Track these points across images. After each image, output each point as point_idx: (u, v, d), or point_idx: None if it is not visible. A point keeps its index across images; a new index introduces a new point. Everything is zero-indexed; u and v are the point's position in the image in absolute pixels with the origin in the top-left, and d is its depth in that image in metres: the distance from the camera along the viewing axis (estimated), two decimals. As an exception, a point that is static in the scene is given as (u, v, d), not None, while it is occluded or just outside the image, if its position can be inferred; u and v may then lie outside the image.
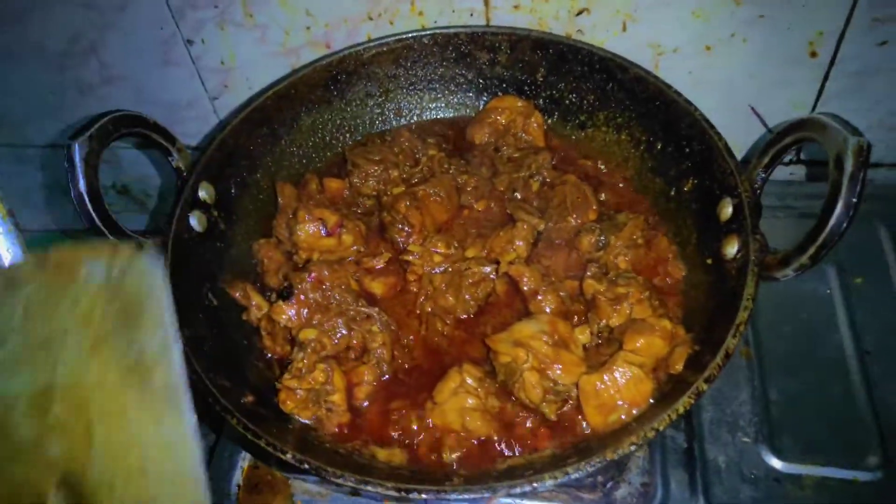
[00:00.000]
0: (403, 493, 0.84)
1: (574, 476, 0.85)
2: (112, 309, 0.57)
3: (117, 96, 1.63)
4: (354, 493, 1.15)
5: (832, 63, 1.39)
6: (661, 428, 0.87)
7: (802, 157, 1.57)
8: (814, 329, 1.30)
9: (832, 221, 0.89)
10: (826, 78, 1.42)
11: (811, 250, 0.92)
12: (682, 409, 0.89)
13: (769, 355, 1.28)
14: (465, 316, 1.15)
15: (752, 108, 1.49)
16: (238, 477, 1.21)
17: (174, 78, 1.59)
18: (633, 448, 0.87)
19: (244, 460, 1.22)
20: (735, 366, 1.28)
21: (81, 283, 0.55)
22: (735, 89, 1.46)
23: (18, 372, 0.55)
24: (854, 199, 0.88)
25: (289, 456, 0.88)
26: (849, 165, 0.88)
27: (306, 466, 0.87)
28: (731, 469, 1.14)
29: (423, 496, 0.83)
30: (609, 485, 1.13)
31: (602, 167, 1.34)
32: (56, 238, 1.89)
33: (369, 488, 0.84)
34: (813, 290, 1.35)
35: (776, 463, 1.14)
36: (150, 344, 0.58)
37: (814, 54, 1.37)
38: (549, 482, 0.84)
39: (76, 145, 1.00)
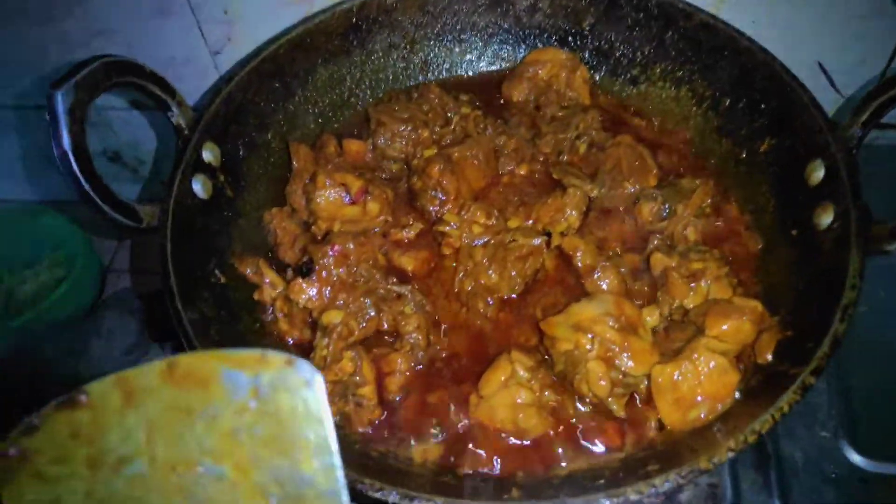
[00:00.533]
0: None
1: (662, 489, 0.70)
2: (261, 431, 0.48)
3: (106, 52, 1.46)
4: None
5: (919, 10, 1.23)
6: (764, 431, 0.73)
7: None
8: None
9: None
10: (911, 27, 1.26)
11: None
12: (787, 408, 0.75)
13: (846, 339, 1.13)
14: (510, 295, 1.01)
15: (821, 65, 1.33)
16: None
17: (170, 30, 1.41)
18: (730, 455, 0.72)
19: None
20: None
21: (221, 399, 0.47)
22: (802, 43, 1.29)
23: (149, 500, 0.47)
24: None
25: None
26: None
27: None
28: (809, 468, 1.02)
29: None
30: (673, 486, 0.99)
31: (658, 127, 1.20)
32: (38, 210, 1.73)
33: (416, 504, 0.70)
34: (891, 265, 1.20)
35: (861, 461, 1.02)
36: (310, 475, 0.48)
37: (897, 0, 1.21)
38: (633, 496, 0.70)
39: (59, 94, 0.84)
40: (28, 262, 1.73)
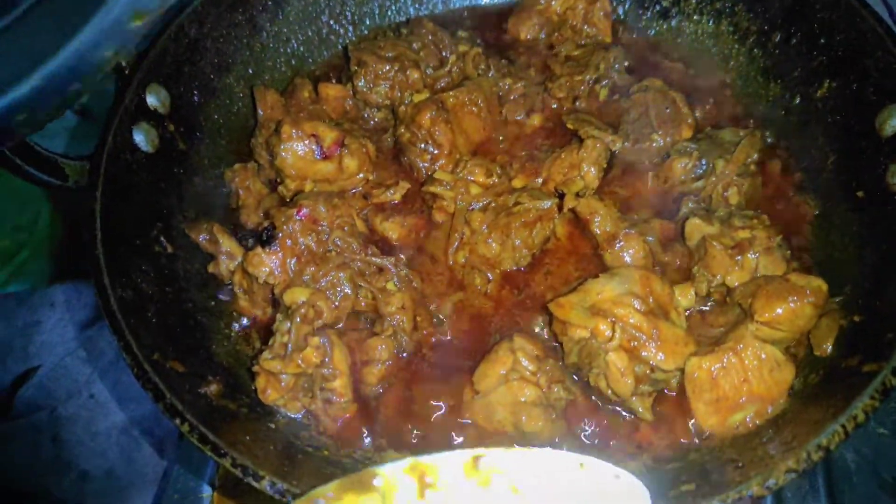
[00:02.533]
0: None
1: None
2: None
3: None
4: None
5: None
6: (834, 447, 0.58)
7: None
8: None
9: None
10: None
11: None
12: (862, 417, 0.59)
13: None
14: (514, 268, 0.87)
15: (883, -5, 1.15)
16: (212, 474, 0.93)
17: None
18: (790, 478, 0.57)
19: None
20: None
21: None
22: None
23: None
24: None
25: (265, 483, 0.59)
26: None
27: (290, 500, 0.58)
28: (864, 471, 0.90)
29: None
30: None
31: (694, 69, 1.03)
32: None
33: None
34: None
35: None
36: None
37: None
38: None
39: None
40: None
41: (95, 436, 1.14)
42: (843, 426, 0.59)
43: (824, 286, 0.70)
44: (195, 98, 0.94)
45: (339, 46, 1.12)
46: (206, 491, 0.95)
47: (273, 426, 0.74)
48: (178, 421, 0.63)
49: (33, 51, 0.51)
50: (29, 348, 1.26)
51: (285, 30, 1.06)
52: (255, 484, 0.60)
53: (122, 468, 1.14)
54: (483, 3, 1.15)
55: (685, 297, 0.77)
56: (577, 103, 0.99)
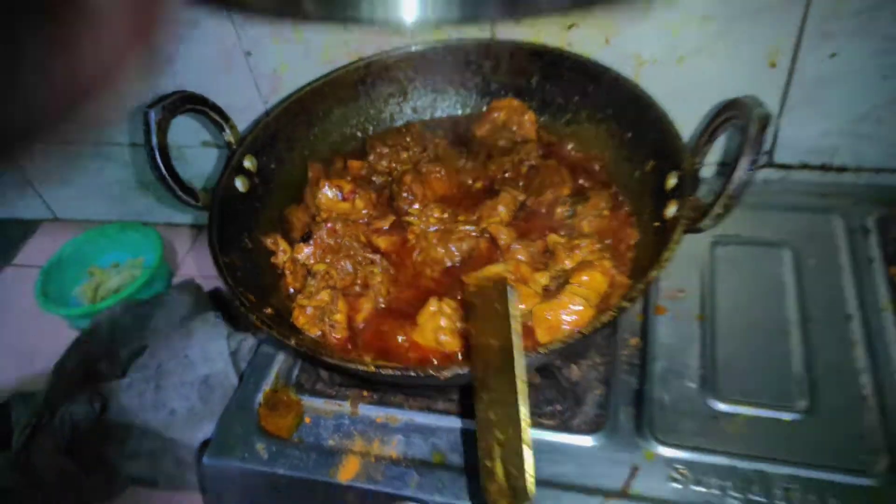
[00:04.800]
0: (390, 371, 1.06)
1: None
2: None
3: (189, 99, 1.95)
4: (354, 409, 1.37)
5: (791, 73, 1.57)
6: (587, 332, 1.07)
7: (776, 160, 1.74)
8: (765, 300, 1.46)
9: (737, 176, 1.09)
10: (788, 87, 1.60)
11: (723, 201, 1.12)
12: (606, 319, 1.08)
13: (722, 320, 1.43)
14: (450, 264, 1.32)
15: (724, 114, 1.68)
16: (260, 398, 1.45)
17: (233, 84, 1.87)
18: (542, 351, 1.06)
19: (267, 384, 1.46)
20: (690, 328, 1.45)
21: None
22: (706, 97, 1.63)
23: None
24: (754, 158, 1.08)
25: (293, 341, 1.12)
26: (752, 131, 1.08)
27: (304, 350, 1.11)
28: (674, 406, 1.22)
29: (397, 373, 1.05)
30: (567, 414, 1.31)
31: (583, 155, 1.56)
32: (126, 225, 2.23)
33: (351, 365, 1.07)
34: (768, 267, 1.52)
35: (715, 403, 1.26)
36: None
37: (773, 65, 1.56)
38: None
39: (152, 112, 1.29)
40: (115, 264, 2.23)
41: (184, 384, 1.60)
42: (581, 332, 1.08)
43: (609, 264, 1.21)
44: (272, 165, 1.47)
45: (361, 138, 1.65)
46: (256, 407, 1.46)
47: (301, 337, 1.27)
48: (252, 316, 1.17)
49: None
50: (144, 332, 1.83)
51: (329, 127, 1.57)
52: (286, 342, 1.11)
53: (199, 407, 1.61)
54: (456, 114, 1.67)
55: (543, 278, 1.27)
56: (506, 174, 1.53)
